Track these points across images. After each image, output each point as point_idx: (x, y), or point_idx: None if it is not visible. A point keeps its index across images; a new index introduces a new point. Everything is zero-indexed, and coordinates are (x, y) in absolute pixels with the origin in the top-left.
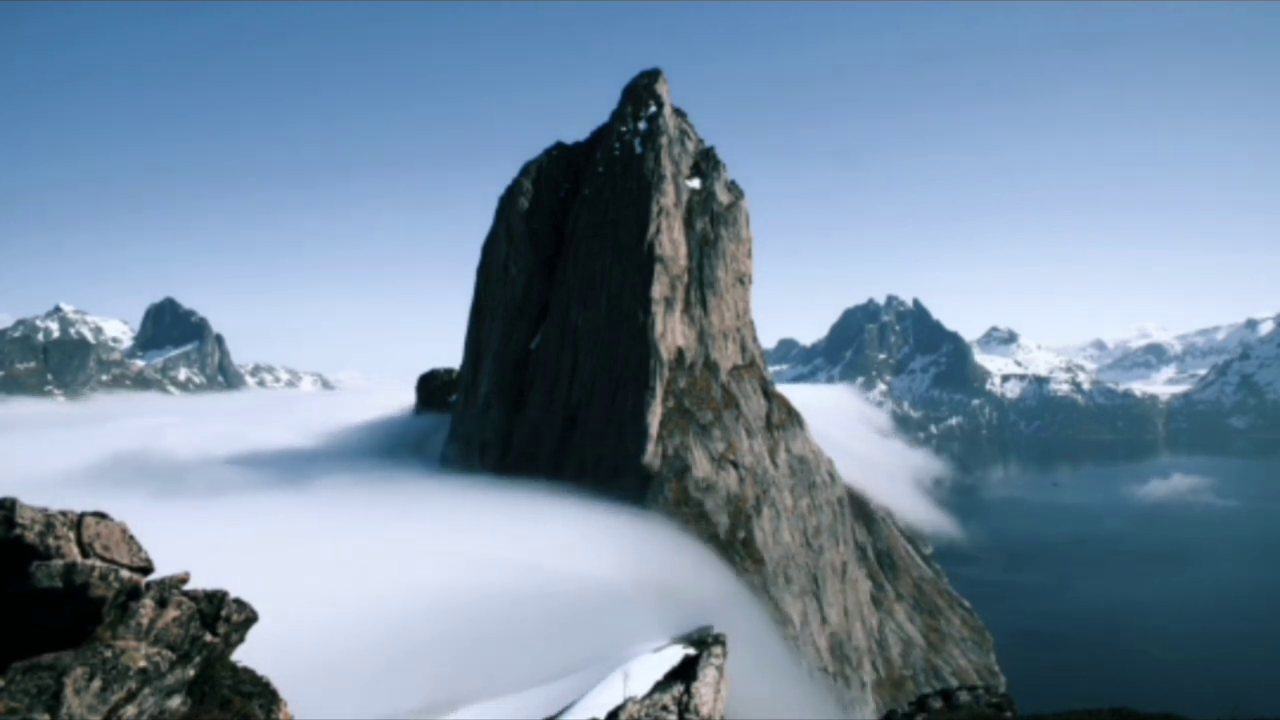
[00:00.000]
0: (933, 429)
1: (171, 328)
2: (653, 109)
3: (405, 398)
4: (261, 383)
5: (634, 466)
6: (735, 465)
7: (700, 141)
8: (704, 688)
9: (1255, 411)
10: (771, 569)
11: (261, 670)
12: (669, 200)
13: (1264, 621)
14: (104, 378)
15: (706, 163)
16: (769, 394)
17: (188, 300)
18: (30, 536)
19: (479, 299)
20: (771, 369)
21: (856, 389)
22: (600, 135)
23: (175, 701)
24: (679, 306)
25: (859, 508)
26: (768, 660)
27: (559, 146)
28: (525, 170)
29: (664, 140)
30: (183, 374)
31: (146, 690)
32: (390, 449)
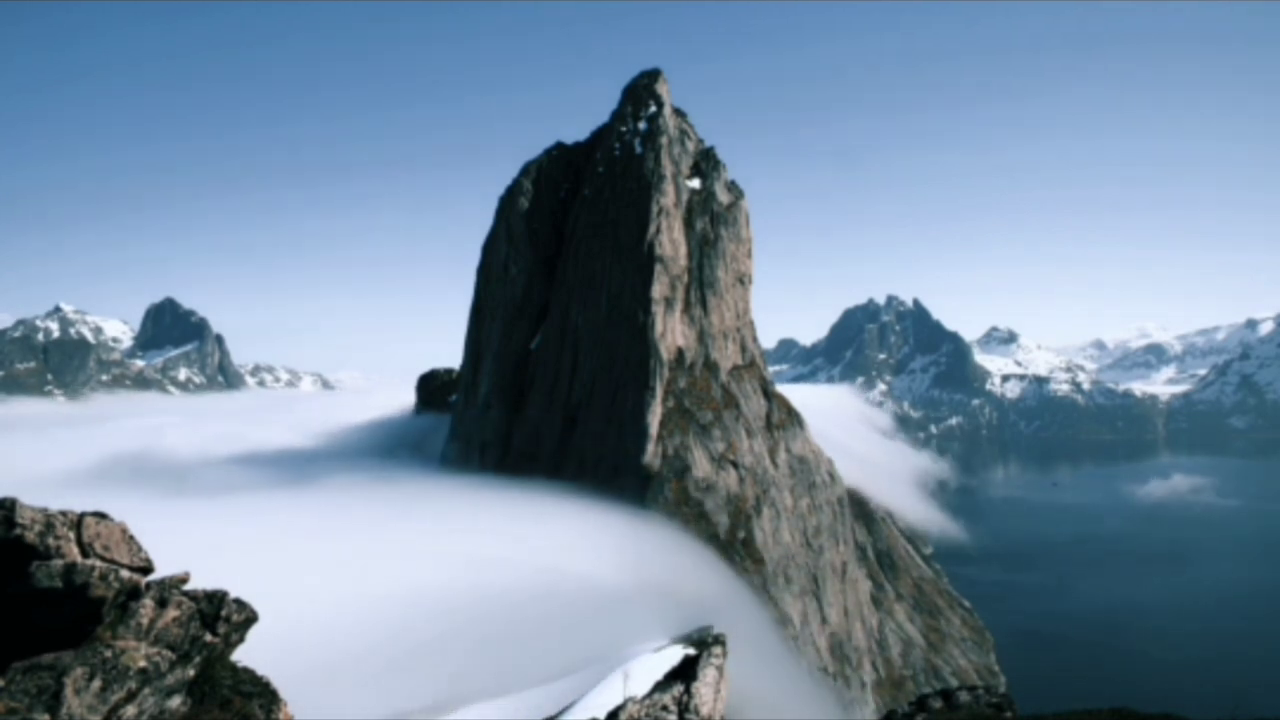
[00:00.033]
0: (933, 429)
1: (171, 328)
2: (653, 109)
3: (405, 398)
4: (261, 383)
5: (634, 466)
6: (735, 465)
7: (700, 141)
8: (704, 688)
9: (1255, 411)
10: (771, 569)
11: (261, 670)
12: (669, 200)
13: (1264, 621)
14: (104, 378)
15: (706, 163)
16: (769, 394)
17: (188, 300)
18: (30, 536)
19: (479, 299)
20: (771, 369)
21: (856, 389)
22: (600, 135)
23: (175, 701)
24: (679, 306)
25: (859, 508)
26: (768, 660)
27: (559, 146)
28: (525, 170)
29: (664, 140)
30: (183, 374)
31: (146, 690)
32: (390, 449)
